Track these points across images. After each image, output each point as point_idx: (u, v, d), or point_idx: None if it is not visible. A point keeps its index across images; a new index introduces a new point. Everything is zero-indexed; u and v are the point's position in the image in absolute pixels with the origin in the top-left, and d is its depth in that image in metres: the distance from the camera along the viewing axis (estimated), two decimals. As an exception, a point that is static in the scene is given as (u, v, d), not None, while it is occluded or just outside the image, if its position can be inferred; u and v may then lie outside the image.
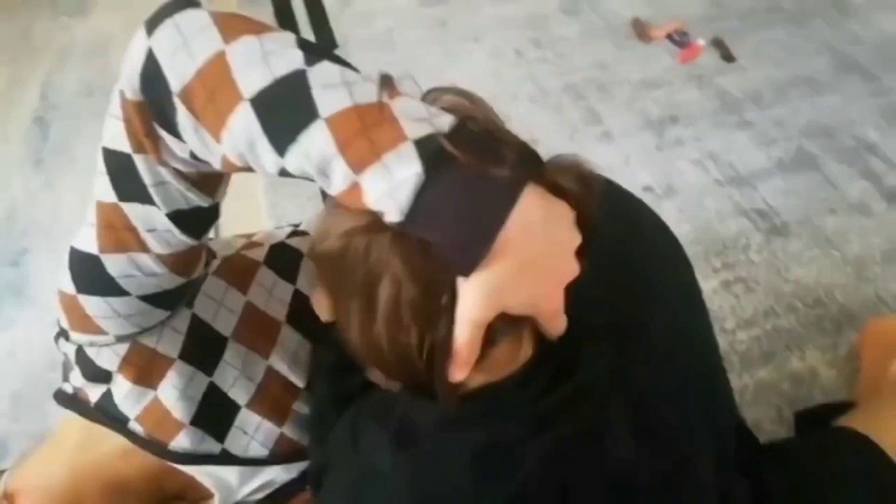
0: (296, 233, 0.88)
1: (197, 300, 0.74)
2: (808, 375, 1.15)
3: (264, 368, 0.77)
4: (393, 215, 0.43)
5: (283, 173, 0.47)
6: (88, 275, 0.62)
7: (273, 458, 0.79)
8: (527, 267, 0.45)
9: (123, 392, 0.72)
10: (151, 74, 0.48)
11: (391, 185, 0.42)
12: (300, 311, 0.80)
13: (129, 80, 0.50)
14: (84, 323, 0.66)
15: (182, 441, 0.74)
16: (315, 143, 0.44)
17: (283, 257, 0.83)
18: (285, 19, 2.05)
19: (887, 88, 1.66)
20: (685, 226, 1.38)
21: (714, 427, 0.74)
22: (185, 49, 0.47)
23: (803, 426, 1.09)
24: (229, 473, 0.79)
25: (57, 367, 1.23)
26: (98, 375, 0.70)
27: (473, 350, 0.48)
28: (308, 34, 1.99)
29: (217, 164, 0.51)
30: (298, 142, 0.44)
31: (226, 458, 0.77)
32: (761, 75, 1.73)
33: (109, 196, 0.57)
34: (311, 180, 0.47)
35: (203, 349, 0.74)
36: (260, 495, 0.83)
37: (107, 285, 0.62)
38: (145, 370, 0.71)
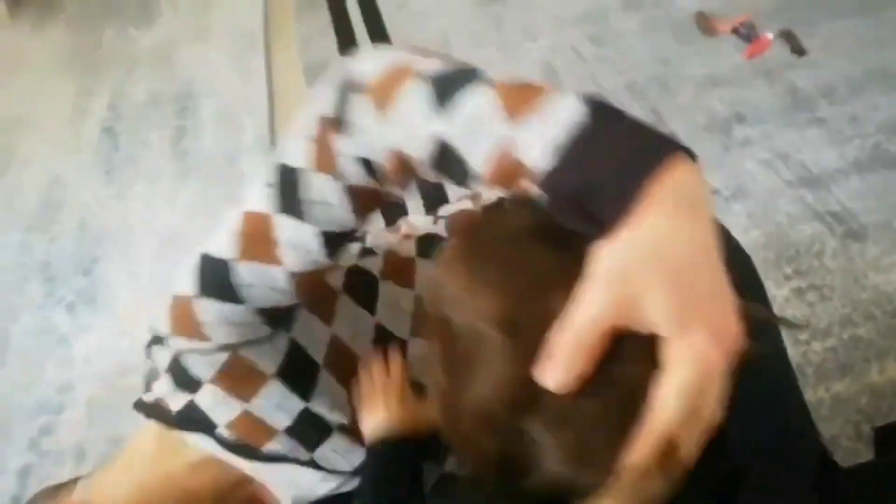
0: (366, 251, 0.87)
1: (295, 325, 0.74)
2: (889, 389, 1.09)
3: (348, 398, 0.77)
4: (544, 160, 0.40)
5: (435, 151, 0.49)
6: (213, 279, 0.66)
7: (356, 472, 0.80)
8: (669, 260, 0.36)
9: (214, 401, 0.73)
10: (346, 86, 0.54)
11: (548, 128, 0.41)
12: (382, 340, 0.80)
13: (326, 102, 0.55)
14: (190, 328, 0.68)
15: (274, 446, 0.76)
16: (473, 98, 0.45)
17: (360, 281, 0.82)
18: (341, 22, 2.06)
19: (975, 80, 1.56)
20: (755, 231, 1.33)
21: (789, 453, 0.71)
22: (374, 60, 0.52)
23: (884, 443, 1.03)
24: (309, 476, 0.80)
25: (129, 372, 1.28)
26: (189, 384, 0.73)
27: (578, 355, 0.37)
28: (363, 36, 2.00)
29: (387, 162, 0.54)
30: (454, 99, 0.45)
31: (313, 466, 0.78)
32: (834, 69, 1.64)
33: (263, 207, 0.61)
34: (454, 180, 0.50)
35: (300, 373, 0.75)
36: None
37: (228, 292, 0.66)
38: (240, 383, 0.72)
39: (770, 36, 1.74)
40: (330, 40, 2.01)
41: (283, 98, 1.86)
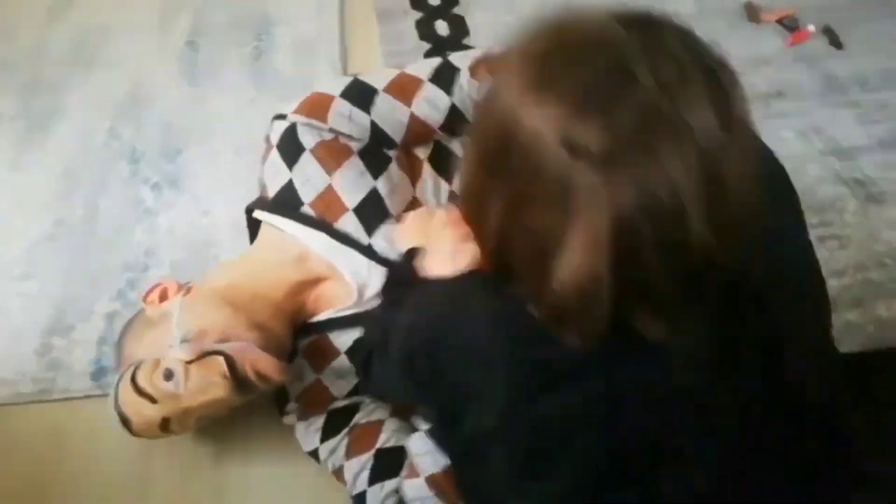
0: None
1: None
2: (892, 322, 1.23)
3: (411, 193, 1.00)
4: None
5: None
6: (358, 92, 0.98)
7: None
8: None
9: (308, 170, 0.96)
10: None
11: None
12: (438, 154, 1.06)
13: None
14: (317, 111, 0.97)
15: (345, 223, 0.96)
16: None
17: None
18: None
19: None
20: (785, 186, 1.47)
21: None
22: None
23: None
24: (363, 268, 0.97)
25: (210, 245, 1.42)
26: (294, 151, 0.97)
27: None
28: (432, -9, 2.13)
29: None
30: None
31: (369, 253, 0.94)
32: (869, 62, 1.79)
33: (420, 75, 1.00)
34: None
35: (375, 155, 0.98)
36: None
37: (364, 102, 0.98)
38: (332, 153, 0.96)
39: (811, 28, 1.88)
40: (401, -11, 2.14)
41: (355, 35, 2.00)
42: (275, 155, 0.99)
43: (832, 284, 1.28)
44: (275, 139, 0.99)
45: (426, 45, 1.92)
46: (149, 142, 1.66)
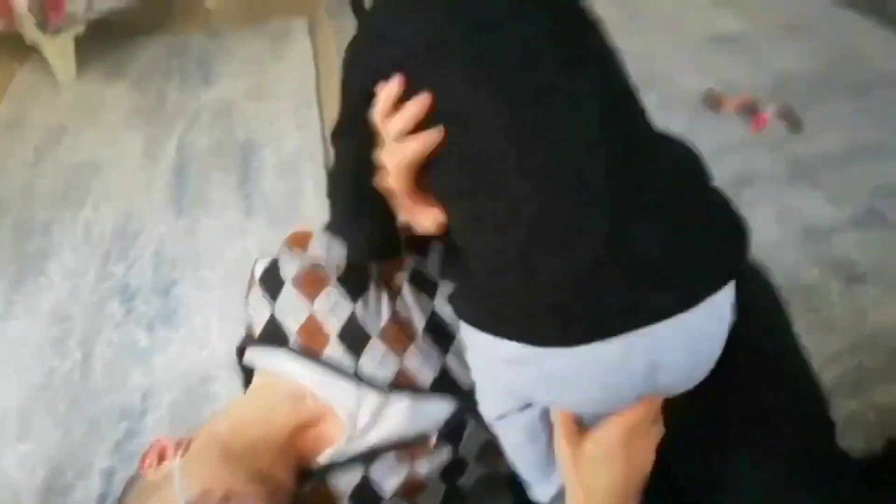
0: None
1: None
2: (893, 408, 1.24)
3: (390, 309, 0.97)
4: None
5: None
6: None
7: (393, 387, 0.95)
8: None
9: (288, 303, 0.97)
10: None
11: None
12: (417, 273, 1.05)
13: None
14: (301, 241, 1.01)
15: (331, 351, 0.95)
16: None
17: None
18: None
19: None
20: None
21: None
22: None
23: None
24: (352, 396, 0.95)
25: (209, 382, 1.41)
26: (275, 286, 0.98)
27: None
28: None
29: None
30: None
31: (356, 379, 0.94)
32: (829, 142, 1.88)
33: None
34: None
35: (355, 280, 0.98)
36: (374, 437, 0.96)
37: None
38: (312, 283, 0.97)
39: (768, 114, 1.98)
40: (377, 103, 2.23)
41: (336, 151, 2.06)
42: (257, 290, 1.00)
43: (828, 373, 1.30)
44: (258, 274, 1.01)
45: (406, 157, 1.98)
46: (141, 277, 1.67)
